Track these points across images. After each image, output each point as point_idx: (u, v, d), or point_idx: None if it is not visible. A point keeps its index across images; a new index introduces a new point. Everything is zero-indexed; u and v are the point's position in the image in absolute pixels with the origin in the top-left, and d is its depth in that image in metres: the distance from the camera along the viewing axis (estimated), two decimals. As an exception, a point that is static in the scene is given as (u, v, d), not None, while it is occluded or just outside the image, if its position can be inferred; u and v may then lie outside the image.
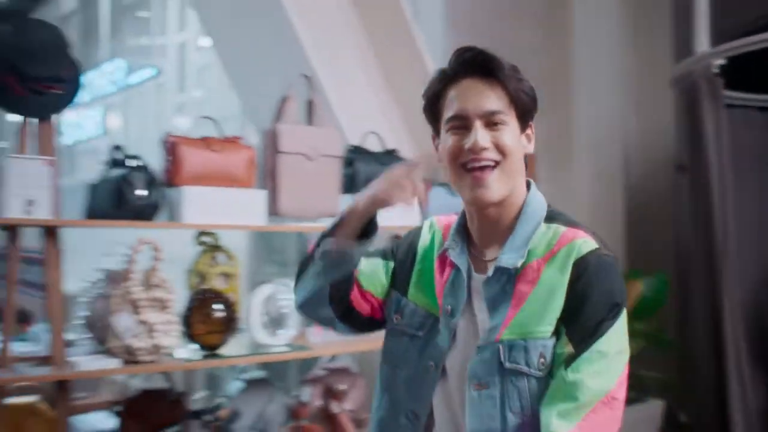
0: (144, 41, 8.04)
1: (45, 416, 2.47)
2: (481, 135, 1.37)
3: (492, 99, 1.38)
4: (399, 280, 1.52)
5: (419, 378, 1.45)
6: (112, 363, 2.24)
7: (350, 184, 2.79)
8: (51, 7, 10.53)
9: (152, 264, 2.30)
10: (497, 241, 1.43)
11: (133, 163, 2.35)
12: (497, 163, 1.38)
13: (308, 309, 1.55)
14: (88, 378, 2.52)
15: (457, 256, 1.44)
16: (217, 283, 2.61)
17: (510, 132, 1.39)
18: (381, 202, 1.40)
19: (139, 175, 2.32)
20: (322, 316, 1.54)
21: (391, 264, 1.53)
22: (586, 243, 1.36)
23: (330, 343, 2.75)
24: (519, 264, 1.38)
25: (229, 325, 2.46)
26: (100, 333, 2.38)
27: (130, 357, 2.25)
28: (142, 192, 2.31)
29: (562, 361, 1.31)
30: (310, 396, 2.83)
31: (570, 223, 1.41)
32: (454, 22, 4.07)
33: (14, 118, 2.30)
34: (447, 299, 1.43)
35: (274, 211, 2.63)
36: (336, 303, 1.49)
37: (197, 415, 2.59)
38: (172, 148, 2.44)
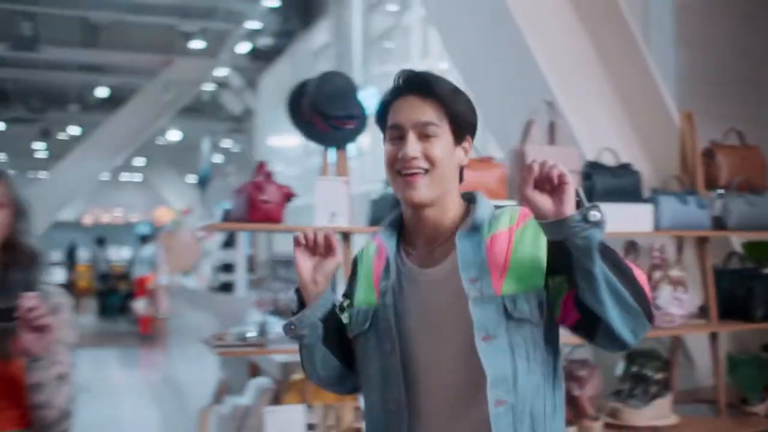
0: (390, 68, 8.82)
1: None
2: (411, 146, 1.53)
3: (425, 113, 1.54)
4: (351, 300, 1.67)
5: (385, 366, 1.56)
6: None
7: (588, 196, 3.15)
8: (306, 41, 11.73)
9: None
10: (439, 241, 1.58)
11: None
12: (426, 170, 1.53)
13: (334, 383, 1.70)
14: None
15: (387, 239, 1.61)
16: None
17: (441, 144, 1.55)
18: (302, 287, 1.60)
19: (413, 191, 2.85)
20: (350, 388, 1.72)
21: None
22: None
23: (564, 334, 3.11)
24: (490, 235, 1.54)
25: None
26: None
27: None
28: (415, 205, 2.84)
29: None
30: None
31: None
32: (685, 40, 4.28)
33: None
34: (381, 282, 1.59)
35: (521, 219, 3.06)
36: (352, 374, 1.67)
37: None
38: (437, 168, 2.96)
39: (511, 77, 3.92)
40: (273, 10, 11.00)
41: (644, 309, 1.46)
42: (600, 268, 1.40)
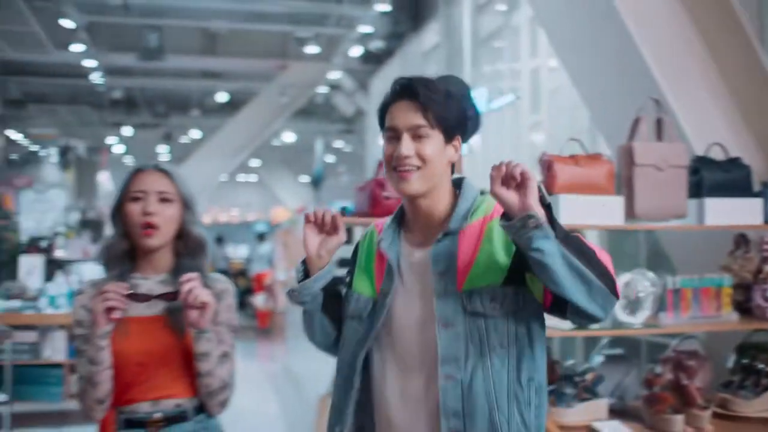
0: (500, 68, 8.94)
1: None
2: (405, 146, 1.78)
3: (417, 116, 1.79)
4: (349, 280, 1.96)
5: (356, 351, 1.85)
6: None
7: (696, 190, 3.24)
8: (416, 43, 11.97)
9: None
10: (433, 226, 1.84)
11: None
12: (419, 167, 1.79)
13: (330, 347, 2.02)
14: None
15: (387, 247, 1.87)
16: (583, 272, 3.22)
17: (432, 144, 1.80)
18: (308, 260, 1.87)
19: (524, 187, 3.03)
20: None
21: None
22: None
23: (680, 324, 3.21)
24: (465, 227, 1.79)
25: (594, 304, 3.07)
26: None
27: (520, 324, 2.96)
28: (527, 199, 3.01)
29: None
30: (663, 369, 3.31)
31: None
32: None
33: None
34: (384, 284, 1.85)
35: (630, 214, 3.18)
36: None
37: (569, 377, 3.22)
38: (547, 164, 3.13)
39: (618, 75, 4.01)
40: (384, 13, 11.29)
41: (609, 286, 1.67)
42: (553, 259, 1.60)
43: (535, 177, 1.62)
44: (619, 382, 3.38)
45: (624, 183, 3.22)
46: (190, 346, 2.08)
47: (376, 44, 11.62)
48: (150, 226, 2.08)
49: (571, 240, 1.66)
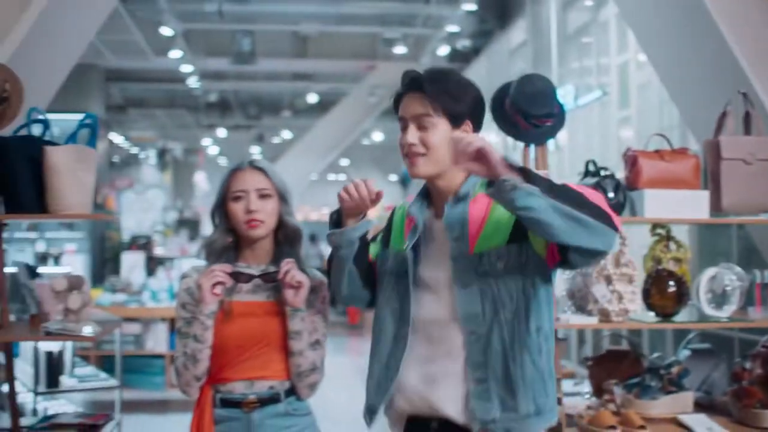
0: (587, 64, 8.87)
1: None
2: (411, 135, 1.97)
3: (421, 107, 1.96)
4: (383, 242, 2.16)
5: (401, 301, 2.03)
6: (590, 320, 3.03)
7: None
8: (502, 41, 11.97)
9: (620, 248, 3.05)
10: (447, 199, 2.01)
11: (604, 173, 3.12)
12: (424, 153, 1.96)
13: (350, 298, 2.19)
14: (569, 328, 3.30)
15: (417, 210, 2.05)
16: (669, 266, 3.24)
17: (436, 132, 1.97)
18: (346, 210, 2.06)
19: (609, 182, 3.08)
20: (361, 299, 2.19)
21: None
22: None
23: (768, 318, 3.20)
24: (475, 195, 1.98)
25: (680, 298, 3.10)
26: (579, 301, 3.21)
27: (604, 317, 3.03)
28: (612, 195, 3.06)
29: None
30: (752, 365, 3.30)
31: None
32: None
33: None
34: (408, 239, 2.03)
35: (716, 208, 3.18)
36: (370, 285, 2.16)
37: (654, 369, 3.25)
38: (632, 159, 3.17)
39: (706, 69, 3.98)
40: (470, 12, 11.34)
41: (606, 222, 1.77)
42: (544, 212, 1.72)
43: (493, 148, 1.77)
44: (706, 376, 3.39)
45: (711, 177, 3.22)
46: (286, 332, 2.25)
47: (463, 43, 11.67)
48: (255, 221, 2.25)
49: (557, 189, 1.76)
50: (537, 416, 1.95)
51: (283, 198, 2.34)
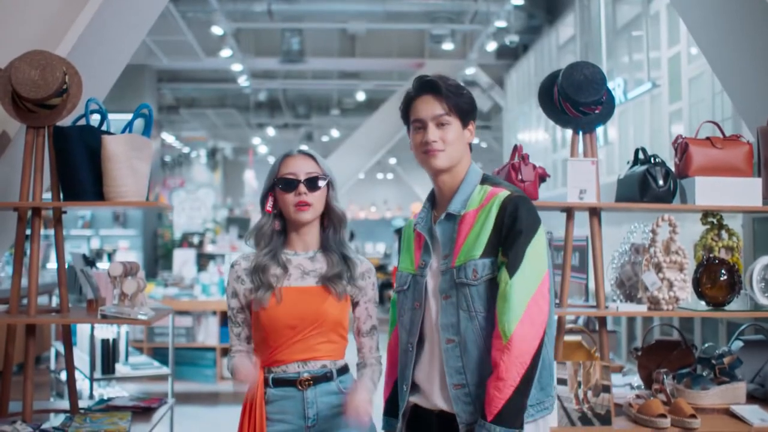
0: (637, 57, 8.76)
1: (587, 350, 3.35)
2: (432, 133, 2.16)
3: (438, 108, 2.16)
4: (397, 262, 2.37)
5: (412, 316, 2.22)
6: (640, 308, 3.01)
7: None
8: (551, 36, 11.88)
9: (670, 236, 3.03)
10: (449, 200, 2.19)
11: (654, 161, 3.10)
12: (443, 149, 2.15)
13: None
14: (618, 315, 3.27)
15: (422, 228, 2.25)
16: (720, 255, 3.20)
17: (452, 130, 2.17)
18: None
19: (659, 170, 3.05)
20: None
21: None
22: (503, 193, 2.12)
23: None
24: (461, 212, 2.15)
25: (732, 287, 3.06)
26: (629, 290, 3.19)
27: (654, 305, 3.00)
28: (662, 182, 3.04)
29: (503, 267, 2.06)
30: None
31: (494, 184, 2.17)
32: None
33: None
34: (422, 257, 2.23)
35: (769, 195, 3.14)
36: None
37: (706, 360, 3.21)
38: (683, 147, 3.14)
39: (759, 57, 3.91)
40: (518, 8, 11.28)
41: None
42: None
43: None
44: (760, 368, 3.33)
45: (764, 164, 3.18)
46: (338, 313, 2.32)
47: (511, 38, 11.61)
48: (304, 204, 2.30)
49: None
50: None
51: (330, 184, 2.39)
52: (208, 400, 7.19)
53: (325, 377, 2.30)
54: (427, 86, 2.19)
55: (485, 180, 2.23)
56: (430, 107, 2.18)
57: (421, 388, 2.23)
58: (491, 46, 11.69)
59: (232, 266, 2.40)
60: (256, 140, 22.63)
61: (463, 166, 2.23)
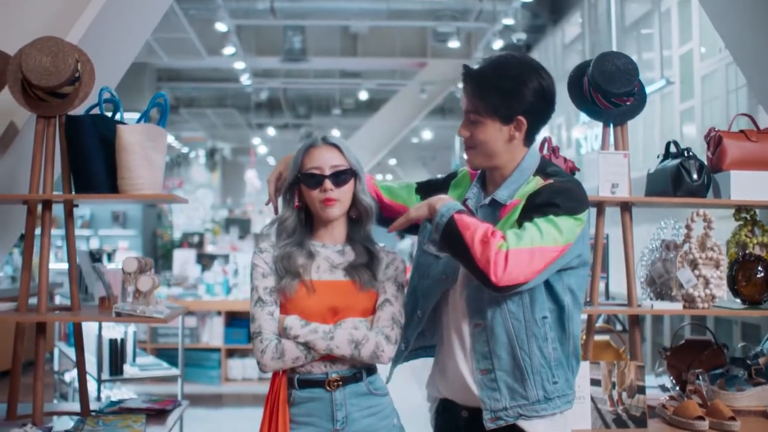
0: (647, 55, 8.66)
1: (616, 350, 3.24)
2: (462, 128, 2.08)
3: (469, 104, 2.05)
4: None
5: (434, 285, 2.13)
6: (675, 306, 2.90)
7: None
8: (556, 35, 11.79)
9: (705, 231, 2.92)
10: (499, 185, 2.09)
11: (688, 154, 2.99)
12: (473, 147, 2.07)
13: None
14: (652, 314, 3.16)
15: (472, 204, 2.12)
16: (755, 251, 3.09)
17: (483, 127, 2.04)
18: None
19: (692, 163, 2.95)
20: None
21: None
22: (545, 182, 2.01)
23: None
24: (507, 201, 2.04)
25: (768, 284, 2.96)
26: (660, 287, 3.08)
27: (689, 303, 2.89)
28: (696, 176, 2.93)
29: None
30: None
31: (548, 175, 2.03)
32: None
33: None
34: None
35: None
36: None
37: (740, 360, 3.10)
38: (716, 140, 3.03)
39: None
40: (525, 5, 11.18)
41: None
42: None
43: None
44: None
45: (798, 158, 3.07)
46: (367, 307, 2.20)
47: (519, 36, 11.51)
48: (331, 200, 2.18)
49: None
50: (546, 401, 2.03)
51: (356, 175, 2.26)
52: (213, 402, 7.07)
53: (354, 378, 2.18)
54: (465, 80, 2.09)
55: (541, 170, 2.09)
56: (464, 101, 2.09)
57: (447, 375, 2.17)
58: (497, 44, 11.57)
59: (261, 252, 2.25)
60: (255, 140, 22.52)
61: (513, 159, 2.10)
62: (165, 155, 2.84)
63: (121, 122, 2.81)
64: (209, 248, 12.71)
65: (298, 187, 2.25)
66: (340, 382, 2.16)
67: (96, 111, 2.81)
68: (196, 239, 14.10)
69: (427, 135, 20.56)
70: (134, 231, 13.32)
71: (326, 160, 2.21)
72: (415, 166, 25.53)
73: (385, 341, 2.15)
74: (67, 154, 2.76)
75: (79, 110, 2.84)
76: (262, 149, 23.67)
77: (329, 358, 2.16)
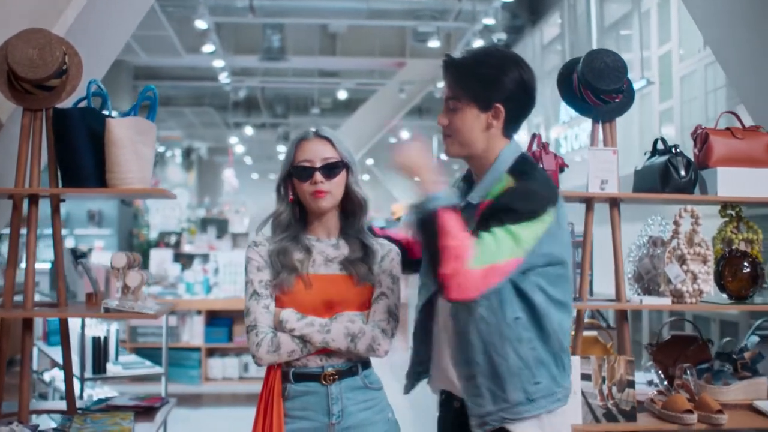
0: (626, 56, 8.73)
1: (603, 346, 3.26)
2: (441, 116, 2.05)
3: (448, 90, 2.03)
4: None
5: (428, 288, 2.12)
6: (664, 301, 2.93)
7: None
8: (535, 35, 11.85)
9: (693, 227, 2.94)
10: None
11: (675, 151, 3.01)
12: (450, 135, 2.04)
13: None
14: (641, 309, 3.19)
15: (460, 191, 2.09)
16: (740, 247, 3.13)
17: (462, 114, 2.01)
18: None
19: (680, 160, 2.97)
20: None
21: None
22: (512, 183, 1.95)
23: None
24: (478, 201, 1.99)
25: (754, 280, 2.99)
26: (647, 283, 3.10)
27: (677, 298, 2.92)
28: (683, 173, 2.96)
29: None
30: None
31: (517, 176, 1.97)
32: None
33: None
34: None
35: (790, 187, 3.07)
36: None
37: (726, 355, 3.14)
38: (703, 137, 3.06)
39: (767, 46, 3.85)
40: (504, 5, 11.22)
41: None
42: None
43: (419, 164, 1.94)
44: (777, 363, 3.27)
45: (781, 156, 3.11)
46: (362, 300, 2.19)
47: (499, 36, 11.55)
48: (321, 192, 2.17)
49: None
50: (529, 403, 1.98)
51: (348, 168, 2.26)
52: (193, 402, 7.01)
53: (350, 372, 2.17)
54: (443, 67, 2.07)
55: (514, 169, 2.02)
56: (445, 88, 2.07)
57: (440, 368, 2.17)
58: (477, 44, 11.60)
59: (256, 245, 2.23)
60: (233, 139, 22.40)
61: (490, 149, 2.04)
62: (154, 150, 2.81)
63: (110, 116, 2.78)
64: (186, 248, 12.63)
65: (291, 180, 2.24)
66: (336, 376, 2.16)
67: (83, 104, 2.78)
68: (173, 239, 14.00)
69: (405, 135, 20.55)
70: (110, 230, 13.17)
71: (317, 153, 2.21)
72: (391, 166, 25.46)
73: (381, 335, 2.15)
74: (55, 147, 2.73)
75: (66, 103, 2.80)
76: (239, 148, 23.54)
77: (325, 352, 2.15)
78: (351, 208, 2.27)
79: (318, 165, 2.19)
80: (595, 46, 9.04)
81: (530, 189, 1.95)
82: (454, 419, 2.13)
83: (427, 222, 1.85)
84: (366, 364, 2.22)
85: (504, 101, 2.00)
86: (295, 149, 2.24)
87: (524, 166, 2.04)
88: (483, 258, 1.83)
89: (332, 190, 2.20)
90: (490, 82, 1.99)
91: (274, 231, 2.27)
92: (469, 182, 2.16)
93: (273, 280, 2.17)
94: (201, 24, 11.21)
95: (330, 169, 2.20)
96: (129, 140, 2.65)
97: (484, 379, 1.98)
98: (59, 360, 4.30)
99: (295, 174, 2.22)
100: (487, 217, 1.90)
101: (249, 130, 20.35)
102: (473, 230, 1.89)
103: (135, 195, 2.86)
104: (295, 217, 2.26)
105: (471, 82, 1.99)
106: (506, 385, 1.97)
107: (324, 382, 2.15)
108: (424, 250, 2.01)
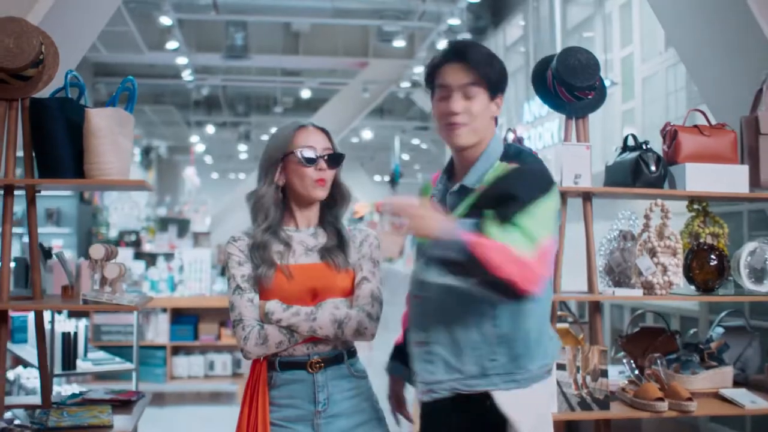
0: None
1: (575, 337, 3.33)
2: (456, 103, 1.98)
3: (467, 76, 1.98)
4: None
5: (415, 270, 2.11)
6: (635, 293, 3.00)
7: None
8: (498, 37, 11.97)
9: (663, 221, 3.03)
10: (467, 172, 2.03)
11: (645, 147, 3.09)
12: (466, 123, 1.99)
13: None
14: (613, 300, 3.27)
15: (438, 200, 2.08)
16: (707, 240, 3.22)
17: (479, 102, 2.00)
18: None
19: (651, 156, 3.05)
20: None
21: None
22: (510, 166, 1.97)
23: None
24: (476, 186, 1.98)
25: (721, 272, 3.08)
26: (618, 276, 3.17)
27: (648, 290, 2.99)
28: (654, 168, 3.04)
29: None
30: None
31: (511, 159, 2.00)
32: None
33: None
34: None
35: (754, 183, 3.17)
36: None
37: (693, 345, 3.23)
38: (672, 134, 3.15)
39: (730, 46, 3.95)
40: (469, 6, 11.31)
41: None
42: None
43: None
44: (740, 353, 3.37)
45: (748, 153, 3.22)
46: (345, 287, 2.22)
47: (463, 36, 11.64)
48: (324, 181, 2.20)
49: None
50: (483, 377, 1.97)
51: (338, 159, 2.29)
52: (158, 401, 6.94)
53: (336, 359, 2.20)
54: (456, 53, 2.02)
55: (505, 156, 2.04)
56: (457, 75, 2.00)
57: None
58: (442, 44, 11.68)
59: (235, 240, 2.23)
60: (194, 138, 22.20)
61: (485, 140, 2.05)
62: (133, 141, 2.80)
63: (87, 106, 2.76)
64: (147, 247, 12.50)
65: (282, 165, 2.24)
66: (322, 364, 2.17)
67: (61, 95, 2.76)
68: (133, 237, 13.83)
69: (366, 135, 20.60)
70: (69, 229, 12.93)
71: (319, 142, 2.24)
72: (354, 167, 25.53)
73: (367, 319, 2.17)
74: (32, 138, 2.70)
75: (42, 93, 2.78)
76: (200, 147, 23.34)
77: (312, 340, 2.17)
78: (333, 199, 2.29)
79: (320, 153, 2.21)
80: (558, 49, 9.17)
81: (535, 168, 1.98)
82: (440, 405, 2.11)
83: (465, 255, 1.75)
84: (351, 353, 2.25)
85: (503, 93, 2.07)
86: (294, 135, 2.24)
87: (518, 151, 2.08)
88: (529, 245, 1.78)
89: (329, 180, 2.24)
90: (501, 72, 2.04)
91: (255, 214, 2.26)
92: (449, 173, 2.15)
93: (254, 273, 2.18)
94: (165, 20, 11.11)
95: (333, 160, 2.23)
96: (109, 130, 2.65)
97: (440, 347, 1.99)
98: (25, 357, 4.24)
99: (299, 158, 2.21)
100: (504, 203, 1.86)
101: (210, 129, 20.20)
102: (467, 214, 1.94)
103: (113, 186, 2.83)
104: (277, 202, 2.26)
105: (488, 70, 2.00)
106: (463, 357, 1.96)
107: (310, 370, 2.17)
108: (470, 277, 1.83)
